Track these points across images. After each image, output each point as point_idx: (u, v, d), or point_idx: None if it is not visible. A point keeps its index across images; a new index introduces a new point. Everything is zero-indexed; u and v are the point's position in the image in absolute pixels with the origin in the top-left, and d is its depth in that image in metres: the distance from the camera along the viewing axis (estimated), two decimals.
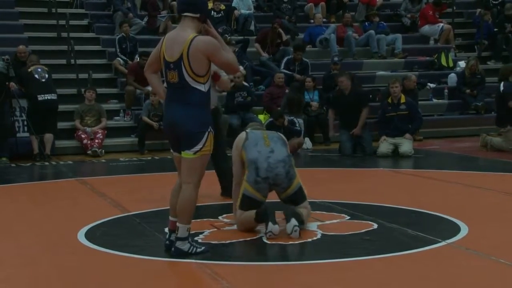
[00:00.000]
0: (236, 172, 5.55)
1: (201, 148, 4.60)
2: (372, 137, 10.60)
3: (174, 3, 13.88)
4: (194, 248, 4.70)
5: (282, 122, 10.76)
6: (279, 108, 11.39)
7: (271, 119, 11.05)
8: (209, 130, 4.64)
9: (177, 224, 4.68)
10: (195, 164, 4.62)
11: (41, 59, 11.14)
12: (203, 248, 4.76)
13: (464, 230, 5.35)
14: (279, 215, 5.31)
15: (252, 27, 14.62)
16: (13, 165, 10.00)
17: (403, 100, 10.34)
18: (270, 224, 5.07)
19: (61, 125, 11.06)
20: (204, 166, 4.69)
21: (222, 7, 14.39)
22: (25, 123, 10.61)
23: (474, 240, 5.06)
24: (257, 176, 5.27)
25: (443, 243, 4.99)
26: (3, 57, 10.27)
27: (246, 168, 5.36)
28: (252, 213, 5.24)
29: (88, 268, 4.56)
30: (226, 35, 12.69)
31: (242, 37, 13.71)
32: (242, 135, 5.56)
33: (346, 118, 10.55)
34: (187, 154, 4.61)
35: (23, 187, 8.24)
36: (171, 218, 4.80)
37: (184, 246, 4.67)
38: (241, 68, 12.33)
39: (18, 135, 10.53)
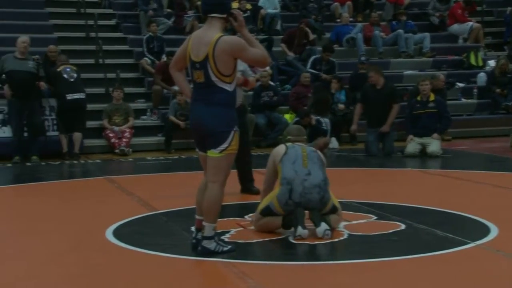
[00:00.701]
0: (268, 180, 5.48)
1: (226, 147, 4.61)
2: (397, 136, 10.49)
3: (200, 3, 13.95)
4: (221, 247, 4.71)
5: (308, 121, 10.74)
6: (305, 108, 11.36)
7: (297, 119, 11.03)
8: (234, 129, 4.64)
9: (203, 223, 4.69)
10: (221, 163, 4.62)
11: (70, 59, 11.25)
12: (229, 247, 4.76)
13: (493, 232, 5.28)
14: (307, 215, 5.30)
15: (278, 27, 14.61)
16: (43, 163, 10.12)
17: (432, 98, 10.25)
18: (299, 228, 5.05)
19: (90, 124, 11.17)
20: (230, 165, 4.70)
21: (248, 6, 14.40)
22: (55, 122, 10.73)
23: (504, 242, 5.00)
24: (290, 198, 5.17)
25: (472, 244, 4.93)
26: (33, 57, 10.39)
27: (279, 182, 5.27)
28: (276, 219, 5.22)
29: (116, 266, 4.59)
30: (252, 35, 12.68)
31: (266, 36, 13.66)
32: (282, 148, 5.41)
33: (375, 114, 10.38)
34: (213, 153, 4.62)
35: (53, 185, 8.33)
36: (197, 217, 4.81)
37: (211, 245, 4.68)
38: (267, 67, 12.33)
39: (48, 133, 10.65)
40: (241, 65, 6.58)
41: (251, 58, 4.71)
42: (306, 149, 5.43)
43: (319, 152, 5.56)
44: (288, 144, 5.47)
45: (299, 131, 5.72)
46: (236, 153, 4.73)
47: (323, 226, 5.08)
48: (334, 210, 5.34)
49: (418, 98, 10.32)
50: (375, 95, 10.33)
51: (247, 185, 7.08)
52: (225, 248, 4.72)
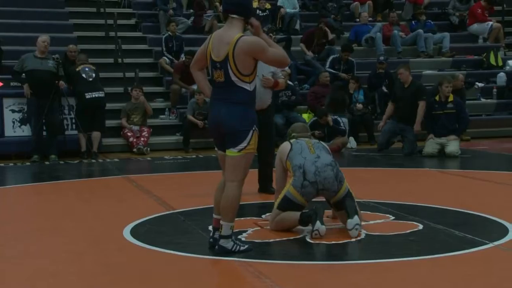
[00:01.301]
0: (278, 179, 5.55)
1: (245, 147, 4.61)
2: (416, 137, 10.42)
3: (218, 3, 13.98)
4: (238, 246, 4.72)
5: (326, 121, 10.72)
6: (323, 107, 11.34)
7: (315, 118, 11.02)
8: (254, 128, 4.65)
9: (221, 222, 4.70)
10: (240, 162, 4.63)
11: (89, 58, 11.32)
12: (246, 246, 4.77)
13: None
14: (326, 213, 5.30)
15: (297, 26, 14.60)
16: (61, 162, 10.20)
17: (451, 98, 10.18)
18: (318, 223, 5.04)
19: (108, 123, 11.22)
20: (248, 165, 4.70)
21: (268, 6, 14.41)
22: (74, 121, 10.81)
23: None
24: (305, 180, 5.21)
25: (491, 245, 4.89)
26: (53, 56, 10.48)
27: (292, 174, 5.32)
28: (293, 214, 5.22)
29: (133, 265, 4.62)
30: (271, 34, 12.70)
31: (284, 36, 13.66)
32: (287, 145, 5.51)
33: (400, 112, 10.35)
34: (231, 152, 4.63)
35: (71, 184, 8.39)
36: (215, 216, 4.83)
37: (228, 244, 4.69)
38: (286, 67, 12.33)
39: (66, 132, 10.72)
40: (271, 67, 6.60)
41: (270, 59, 4.71)
42: (311, 141, 5.58)
43: (323, 143, 5.69)
44: (292, 140, 5.55)
45: (303, 128, 5.89)
46: (254, 153, 4.74)
47: (356, 219, 5.09)
48: (350, 195, 5.32)
49: (436, 98, 10.25)
50: (402, 92, 10.33)
51: (265, 185, 7.09)
52: (242, 248, 4.73)
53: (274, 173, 7.07)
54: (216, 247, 4.72)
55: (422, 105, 10.19)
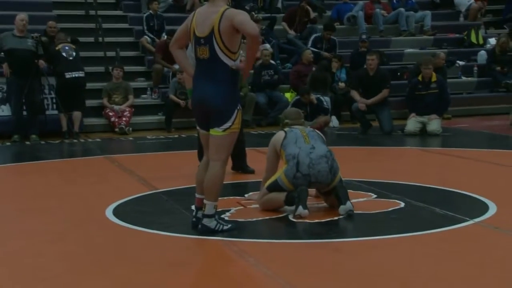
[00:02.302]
0: (268, 169, 5.49)
1: (230, 126, 4.59)
2: (390, 114, 10.43)
3: None
4: (221, 226, 4.72)
5: (309, 99, 10.72)
6: (305, 86, 11.33)
7: (297, 97, 11.02)
8: (238, 107, 4.62)
9: (204, 201, 4.69)
10: (224, 142, 4.61)
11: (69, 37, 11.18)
12: (229, 225, 4.78)
13: (492, 209, 5.30)
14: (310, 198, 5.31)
15: (279, 5, 14.53)
16: (42, 142, 10.12)
17: (434, 78, 10.22)
18: (300, 208, 5.04)
19: (89, 103, 11.15)
20: (232, 144, 4.69)
21: None
22: (54, 100, 10.70)
23: (502, 219, 5.02)
24: (298, 171, 5.17)
25: (471, 221, 4.95)
26: (32, 34, 10.34)
27: (285, 162, 5.28)
28: (280, 195, 5.23)
29: (115, 245, 4.61)
30: (253, 13, 12.64)
31: (268, 15, 13.64)
32: (281, 134, 5.43)
33: (368, 98, 10.45)
34: (216, 131, 4.61)
35: (53, 164, 8.34)
36: (197, 196, 4.82)
37: (211, 223, 4.69)
38: (268, 46, 12.29)
39: (47, 112, 10.61)
40: None
41: (248, 26, 4.42)
42: (305, 130, 5.49)
43: (318, 131, 5.60)
44: (286, 129, 5.48)
45: (297, 115, 5.73)
46: (238, 132, 4.72)
47: (349, 205, 5.10)
48: (342, 183, 5.32)
49: (420, 78, 10.28)
50: (368, 81, 10.37)
51: (240, 163, 7.02)
52: (226, 227, 4.73)
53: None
54: (199, 226, 4.72)
55: (385, 92, 10.26)
